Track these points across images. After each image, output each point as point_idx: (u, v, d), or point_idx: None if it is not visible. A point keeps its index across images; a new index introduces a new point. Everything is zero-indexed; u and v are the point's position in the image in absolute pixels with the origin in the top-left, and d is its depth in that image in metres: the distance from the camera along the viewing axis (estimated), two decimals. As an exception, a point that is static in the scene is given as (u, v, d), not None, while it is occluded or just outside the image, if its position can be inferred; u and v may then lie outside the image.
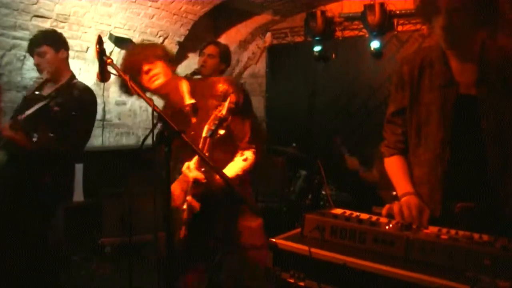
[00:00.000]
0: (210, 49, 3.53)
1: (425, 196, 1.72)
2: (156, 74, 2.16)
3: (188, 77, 2.44)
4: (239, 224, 2.31)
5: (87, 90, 3.01)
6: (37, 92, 2.90)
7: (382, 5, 5.22)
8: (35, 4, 3.99)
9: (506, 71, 1.63)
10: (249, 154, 2.25)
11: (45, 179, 2.84)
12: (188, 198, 2.09)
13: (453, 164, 1.69)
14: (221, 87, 2.17)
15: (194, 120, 2.27)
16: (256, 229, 2.34)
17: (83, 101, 2.94)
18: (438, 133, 1.71)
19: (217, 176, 2.05)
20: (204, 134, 2.03)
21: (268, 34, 3.47)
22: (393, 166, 1.91)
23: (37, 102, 2.82)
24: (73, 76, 3.07)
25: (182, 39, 5.43)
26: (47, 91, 3.00)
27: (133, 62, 2.16)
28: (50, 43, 2.95)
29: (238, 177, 2.20)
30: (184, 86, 2.29)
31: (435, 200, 1.71)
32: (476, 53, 1.67)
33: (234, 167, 2.22)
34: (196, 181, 2.06)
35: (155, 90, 2.19)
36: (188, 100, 2.26)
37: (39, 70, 3.00)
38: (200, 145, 2.02)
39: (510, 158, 1.64)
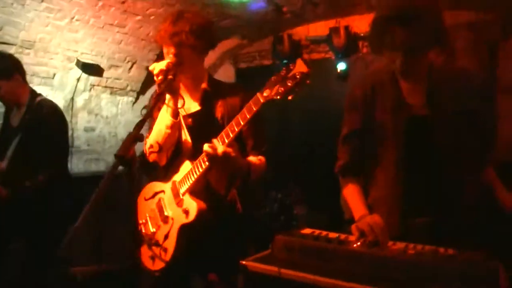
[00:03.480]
0: None
1: (383, 217, 1.72)
2: None
3: None
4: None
5: (52, 108, 3.00)
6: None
7: (346, 28, 5.36)
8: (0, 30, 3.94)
9: (453, 89, 1.71)
10: None
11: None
12: None
13: (409, 184, 1.73)
14: None
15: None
16: None
17: (51, 122, 2.93)
18: (392, 154, 1.76)
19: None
20: None
21: None
22: (350, 192, 1.91)
23: (10, 136, 2.87)
24: (34, 94, 3.03)
25: (150, 64, 5.42)
26: (15, 120, 2.98)
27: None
28: (0, 77, 2.88)
29: None
30: None
31: (393, 221, 1.73)
32: (424, 75, 1.74)
33: None
34: (225, 155, 1.98)
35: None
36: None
37: None
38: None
39: (464, 172, 1.70)
